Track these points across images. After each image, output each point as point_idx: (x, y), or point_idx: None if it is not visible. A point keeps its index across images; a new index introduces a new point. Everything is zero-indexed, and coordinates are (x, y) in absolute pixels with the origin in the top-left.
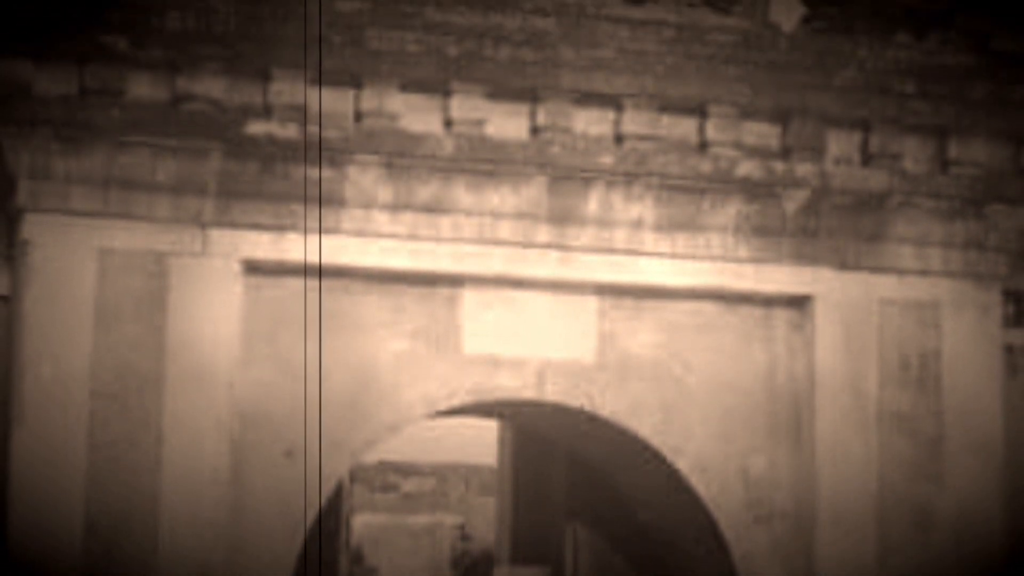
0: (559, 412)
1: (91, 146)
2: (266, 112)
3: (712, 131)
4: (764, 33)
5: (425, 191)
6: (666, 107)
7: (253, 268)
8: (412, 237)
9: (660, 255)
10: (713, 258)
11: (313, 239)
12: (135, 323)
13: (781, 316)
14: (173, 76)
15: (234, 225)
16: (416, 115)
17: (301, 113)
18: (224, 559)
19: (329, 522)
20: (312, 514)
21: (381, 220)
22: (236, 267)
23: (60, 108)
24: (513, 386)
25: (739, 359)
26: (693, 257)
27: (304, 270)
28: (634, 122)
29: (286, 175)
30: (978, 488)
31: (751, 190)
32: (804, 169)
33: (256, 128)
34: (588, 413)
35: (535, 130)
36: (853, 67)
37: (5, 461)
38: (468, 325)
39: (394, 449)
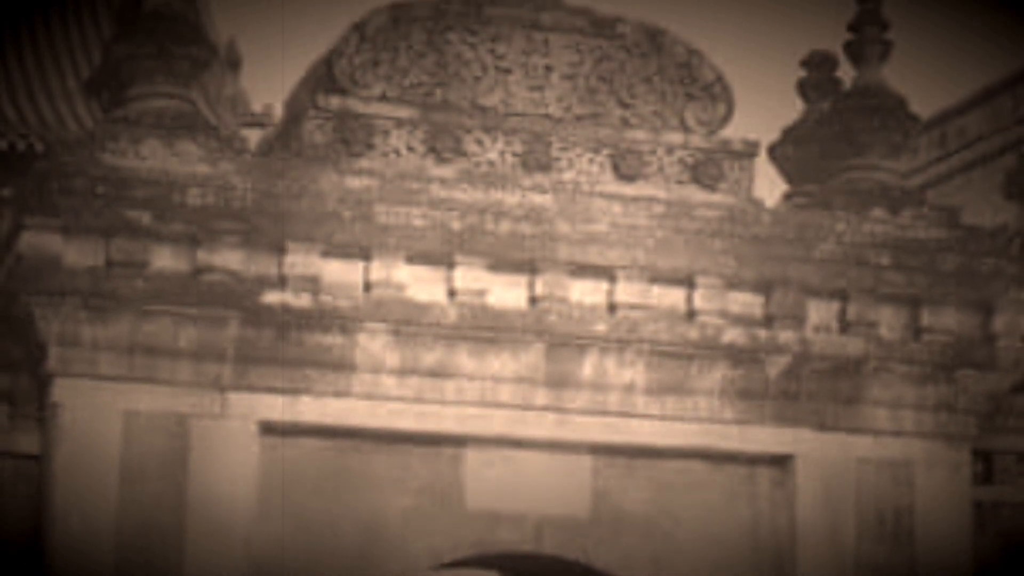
0: (556, 564)
1: (117, 315)
2: (281, 283)
3: (699, 300)
4: (748, 209)
5: (430, 357)
6: (656, 278)
7: (269, 429)
8: (418, 400)
9: (651, 417)
10: (700, 420)
11: (325, 402)
12: (158, 481)
13: (764, 474)
14: (194, 249)
15: (251, 389)
16: (422, 285)
17: (314, 284)
18: None
19: None
20: None
21: (389, 384)
22: (253, 428)
23: (88, 279)
24: (513, 540)
25: (725, 514)
26: (682, 419)
27: (317, 431)
28: (626, 292)
29: (300, 342)
30: None
31: (736, 356)
32: (786, 336)
33: (272, 298)
34: (584, 565)
35: (533, 300)
36: (832, 241)
37: None
38: (471, 482)
39: None
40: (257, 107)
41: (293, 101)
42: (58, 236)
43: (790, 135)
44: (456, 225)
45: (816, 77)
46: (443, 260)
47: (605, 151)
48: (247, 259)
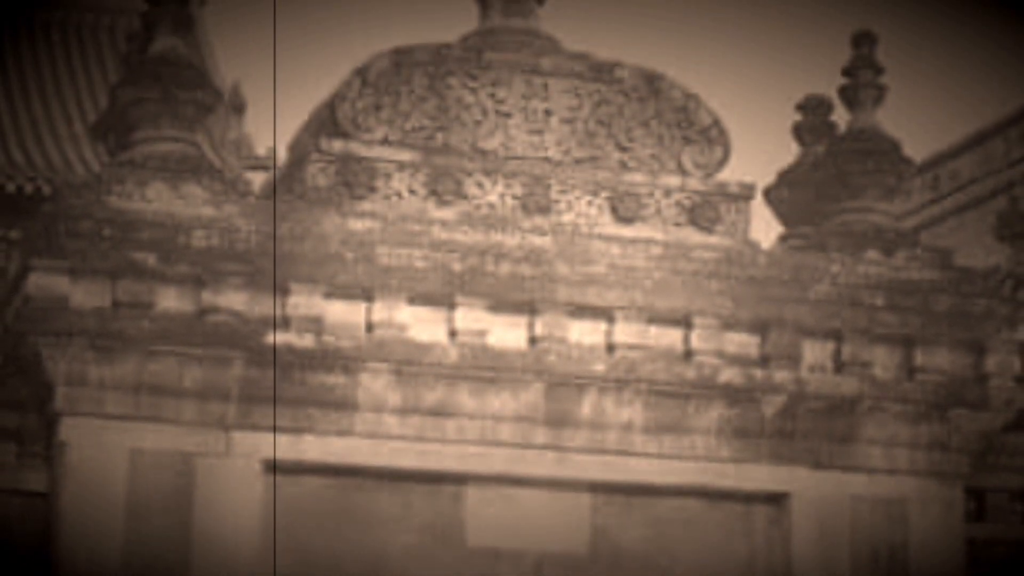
0: None
1: (123, 355)
2: (284, 324)
3: (696, 341)
4: (744, 250)
5: (431, 396)
6: (654, 319)
7: (273, 467)
8: (419, 439)
9: (648, 455)
10: (697, 458)
11: (328, 441)
12: (163, 518)
13: (760, 512)
14: (198, 290)
15: (255, 428)
16: (423, 326)
17: (317, 324)
18: None
19: None
20: None
21: (391, 423)
22: (257, 467)
23: (94, 320)
24: None
25: (722, 551)
26: (679, 457)
27: (320, 469)
28: (624, 333)
29: (303, 381)
30: None
31: (732, 395)
32: (781, 376)
33: (275, 338)
34: None
35: (533, 340)
36: (827, 282)
37: None
38: (471, 520)
39: None
40: (261, 150)
41: (296, 145)
42: (65, 277)
43: (785, 178)
44: (457, 267)
45: (811, 121)
46: (444, 301)
47: (603, 194)
48: (251, 300)
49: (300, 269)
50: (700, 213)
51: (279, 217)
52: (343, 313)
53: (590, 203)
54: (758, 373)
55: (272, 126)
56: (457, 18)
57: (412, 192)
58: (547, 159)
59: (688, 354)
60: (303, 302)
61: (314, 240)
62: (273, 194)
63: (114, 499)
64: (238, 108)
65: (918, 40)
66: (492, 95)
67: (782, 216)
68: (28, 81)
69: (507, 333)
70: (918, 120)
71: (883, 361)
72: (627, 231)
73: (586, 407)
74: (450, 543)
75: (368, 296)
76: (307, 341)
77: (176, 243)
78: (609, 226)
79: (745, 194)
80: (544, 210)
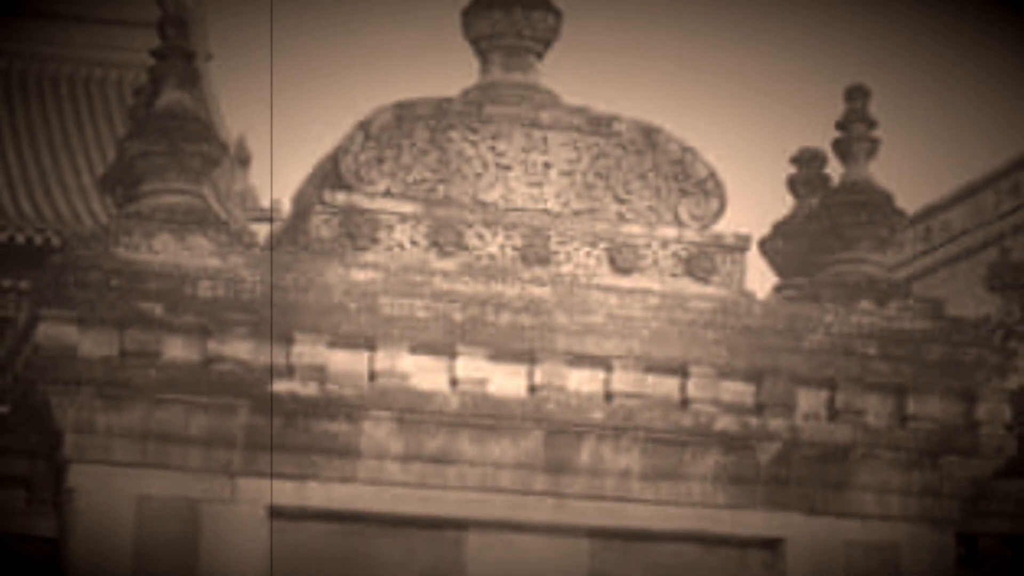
0: None
1: (130, 403)
2: (289, 372)
3: (693, 389)
4: (740, 301)
5: (433, 443)
6: (651, 368)
7: (277, 513)
8: (421, 485)
9: (646, 501)
10: (694, 504)
11: (332, 487)
12: (170, 563)
13: (756, 557)
14: (204, 340)
15: (260, 474)
16: (425, 375)
17: (321, 373)
18: None
19: None
20: None
21: (393, 470)
22: (262, 513)
23: (102, 368)
24: None
25: None
26: (676, 503)
27: (324, 515)
28: (622, 381)
29: (307, 429)
30: None
31: (728, 443)
32: (776, 424)
33: (280, 387)
34: None
35: (533, 388)
36: (820, 331)
37: None
38: (472, 565)
39: None
40: (265, 202)
41: (300, 197)
42: (74, 327)
43: (780, 229)
44: (458, 316)
45: (805, 173)
46: (445, 350)
47: (602, 245)
48: (256, 349)
49: (304, 319)
50: (696, 264)
51: (283, 268)
52: (346, 362)
53: (588, 254)
54: (753, 421)
55: (273, 177)
56: (458, 72)
57: (414, 243)
58: (546, 211)
59: (685, 402)
60: (307, 351)
61: (318, 291)
62: (270, 246)
63: (122, 544)
64: (243, 161)
65: (910, 94)
66: (492, 148)
67: (777, 267)
68: (38, 134)
69: (507, 381)
70: (910, 172)
71: (876, 409)
72: (625, 281)
73: (585, 454)
74: None
75: (371, 345)
76: (311, 389)
77: (182, 293)
78: (607, 277)
79: (741, 245)
80: (543, 261)
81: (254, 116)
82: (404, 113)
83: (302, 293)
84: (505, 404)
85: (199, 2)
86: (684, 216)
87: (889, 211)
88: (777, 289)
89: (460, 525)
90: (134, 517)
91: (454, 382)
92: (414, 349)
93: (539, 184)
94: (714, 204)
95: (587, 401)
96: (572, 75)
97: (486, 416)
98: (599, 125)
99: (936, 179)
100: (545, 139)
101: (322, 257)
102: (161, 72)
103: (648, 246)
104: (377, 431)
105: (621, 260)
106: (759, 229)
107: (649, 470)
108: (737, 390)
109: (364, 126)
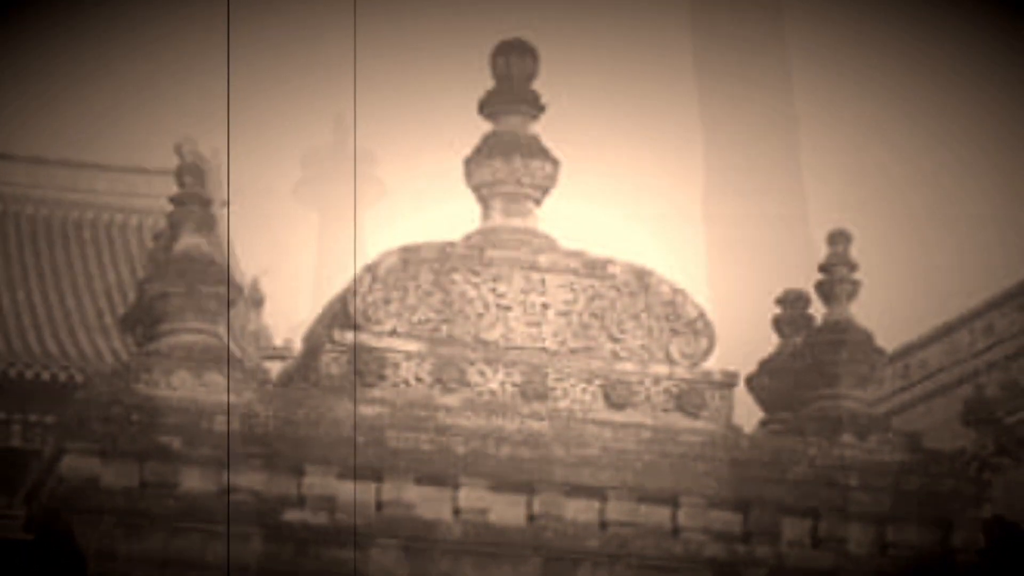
0: None
1: (150, 531)
2: (300, 502)
3: (684, 518)
4: (728, 434)
5: (437, 570)
6: (644, 498)
7: None
8: None
9: None
10: None
11: None
12: None
13: None
14: (220, 471)
15: None
16: (429, 504)
17: (330, 503)
18: None
19: None
20: None
21: None
22: None
23: (123, 499)
24: None
25: None
26: None
27: None
28: (616, 511)
29: (317, 556)
30: None
31: (717, 569)
32: (762, 551)
33: (292, 516)
34: None
35: (531, 517)
36: (804, 464)
37: None
38: None
39: None
40: (278, 341)
41: (311, 336)
42: (96, 459)
43: (766, 367)
44: (460, 449)
45: (790, 314)
46: (449, 482)
47: (597, 381)
48: (269, 480)
49: (315, 451)
50: (687, 400)
51: (295, 403)
52: (355, 492)
53: (584, 390)
54: (741, 548)
55: (290, 319)
56: (460, 216)
57: (419, 380)
58: (544, 349)
59: (676, 531)
60: (317, 482)
61: (328, 425)
62: (283, 383)
63: None
64: (257, 302)
65: (890, 238)
66: (493, 289)
67: (763, 402)
68: (62, 276)
69: (507, 511)
70: (890, 313)
71: (857, 537)
72: (619, 416)
73: None
74: None
75: (378, 476)
76: (321, 518)
77: (199, 428)
78: (602, 412)
79: (729, 382)
80: (541, 397)
81: (268, 259)
82: (409, 256)
83: (312, 427)
84: (505, 532)
85: (216, 152)
86: (675, 354)
87: (869, 350)
88: (763, 423)
89: None
90: None
91: (457, 511)
92: (419, 480)
93: (538, 324)
94: (703, 343)
95: (583, 529)
96: (569, 219)
97: (487, 544)
98: (594, 268)
99: (914, 319)
100: (543, 281)
101: (332, 393)
102: (179, 218)
103: (641, 383)
104: (384, 558)
105: (615, 396)
106: (746, 367)
107: None
108: (725, 519)
109: (371, 269)
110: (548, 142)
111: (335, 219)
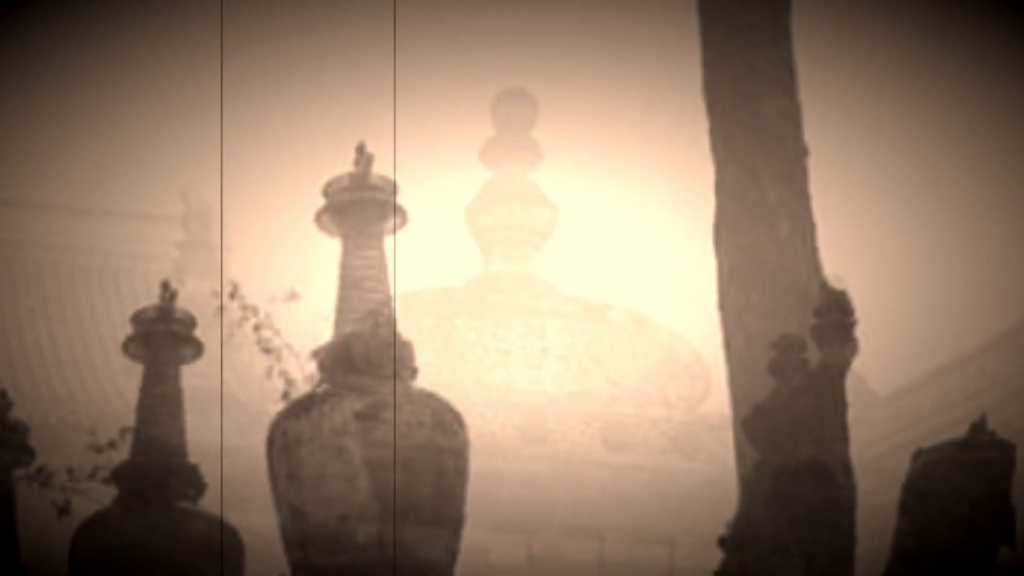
0: None
1: None
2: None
3: (680, 559)
4: (725, 476)
5: None
6: (642, 539)
7: None
8: None
9: None
10: None
11: None
12: None
13: None
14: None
15: None
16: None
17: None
18: None
19: None
20: None
21: None
22: None
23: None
24: None
25: None
26: None
27: None
28: (615, 551)
29: None
30: None
31: None
32: None
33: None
34: None
35: (531, 558)
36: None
37: None
38: None
39: None
40: (281, 384)
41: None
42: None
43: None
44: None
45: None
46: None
47: (595, 424)
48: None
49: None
50: (684, 442)
51: None
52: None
53: (583, 432)
54: None
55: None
56: (463, 262)
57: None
58: (544, 392)
59: (673, 571)
60: None
61: None
62: None
63: None
64: (264, 346)
65: (883, 283)
66: (494, 334)
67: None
68: (69, 321)
69: (507, 551)
70: (882, 357)
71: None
72: (617, 458)
73: None
74: None
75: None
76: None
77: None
78: (600, 454)
79: (725, 425)
80: (541, 439)
81: (280, 290)
82: (411, 302)
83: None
84: (505, 572)
85: (221, 196)
86: (672, 398)
87: (862, 394)
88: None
89: None
90: None
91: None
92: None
93: (537, 368)
94: (700, 386)
95: (582, 570)
96: (567, 264)
97: None
98: (593, 313)
99: (906, 363)
100: (543, 326)
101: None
102: (185, 263)
103: (639, 425)
104: None
105: (613, 438)
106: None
107: None
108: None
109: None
110: (547, 189)
111: (355, 248)
